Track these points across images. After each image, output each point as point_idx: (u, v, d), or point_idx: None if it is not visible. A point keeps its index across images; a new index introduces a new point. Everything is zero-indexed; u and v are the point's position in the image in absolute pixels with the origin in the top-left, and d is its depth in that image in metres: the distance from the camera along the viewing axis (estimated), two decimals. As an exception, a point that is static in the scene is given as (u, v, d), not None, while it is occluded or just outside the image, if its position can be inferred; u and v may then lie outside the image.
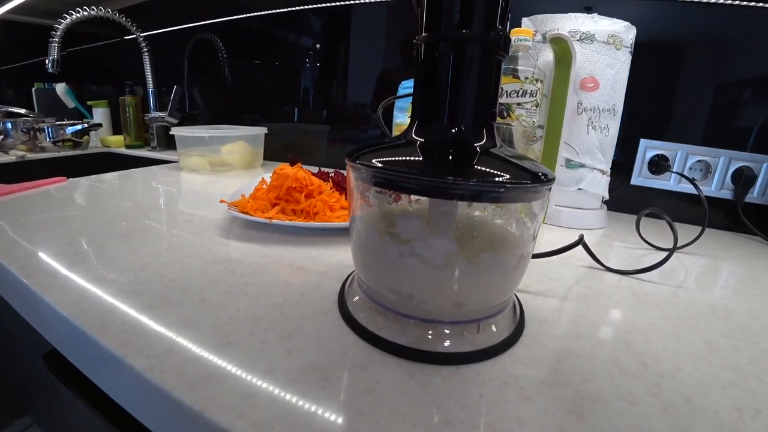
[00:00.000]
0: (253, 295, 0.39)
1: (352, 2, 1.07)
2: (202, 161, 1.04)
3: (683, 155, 0.78)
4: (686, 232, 0.64)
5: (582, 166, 0.68)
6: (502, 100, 0.62)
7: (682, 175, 0.75)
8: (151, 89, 1.43)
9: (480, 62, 0.28)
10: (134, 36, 1.37)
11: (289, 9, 1.17)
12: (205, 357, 0.29)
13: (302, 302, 0.38)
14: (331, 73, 1.17)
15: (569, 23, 0.65)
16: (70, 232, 0.53)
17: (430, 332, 0.31)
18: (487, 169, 0.26)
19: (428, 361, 0.29)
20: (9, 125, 1.33)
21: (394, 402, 0.26)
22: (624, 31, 0.65)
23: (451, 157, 0.28)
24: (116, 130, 1.68)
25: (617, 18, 0.65)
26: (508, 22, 0.30)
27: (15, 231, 0.53)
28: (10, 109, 1.45)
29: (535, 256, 0.48)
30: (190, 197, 0.77)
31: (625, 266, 0.51)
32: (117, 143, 1.56)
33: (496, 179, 0.26)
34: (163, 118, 1.40)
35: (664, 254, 0.50)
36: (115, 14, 1.29)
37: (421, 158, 0.28)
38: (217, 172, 1.04)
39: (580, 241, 0.46)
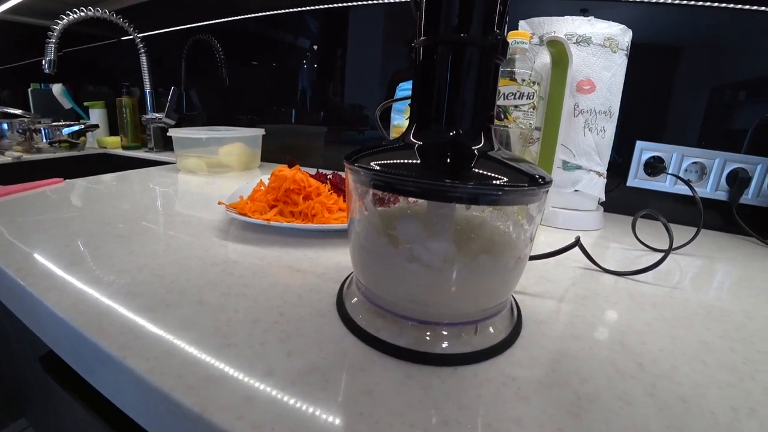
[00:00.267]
0: (252, 296, 0.39)
1: (349, 4, 1.07)
2: (200, 162, 1.04)
3: (678, 157, 0.78)
4: (682, 233, 0.65)
5: (578, 167, 0.68)
6: (500, 102, 0.62)
7: (677, 177, 0.76)
8: (148, 90, 1.43)
9: (478, 66, 0.29)
10: (131, 37, 1.36)
11: (287, 10, 1.17)
12: (204, 359, 0.29)
13: (301, 304, 0.38)
14: (329, 75, 1.17)
15: (566, 26, 0.65)
16: (67, 233, 0.53)
17: (428, 333, 0.31)
18: (485, 172, 0.27)
19: (427, 363, 0.30)
20: (5, 126, 1.33)
21: (393, 403, 0.26)
22: (620, 34, 0.65)
23: (449, 160, 0.28)
24: (113, 131, 1.67)
25: (613, 21, 0.66)
26: (506, 26, 0.30)
27: (11, 233, 0.53)
28: (6, 110, 1.45)
29: (532, 257, 0.48)
30: (188, 199, 0.77)
31: (621, 267, 0.51)
32: (114, 144, 1.56)
33: (494, 182, 0.26)
34: (160, 119, 1.40)
35: (660, 255, 0.51)
36: (112, 15, 1.28)
37: (419, 161, 0.28)
38: (214, 173, 1.04)
39: (577, 242, 0.47)
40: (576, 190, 0.69)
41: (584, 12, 0.77)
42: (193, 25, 1.40)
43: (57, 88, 1.67)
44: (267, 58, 1.28)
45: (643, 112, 0.80)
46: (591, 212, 0.72)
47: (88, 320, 0.34)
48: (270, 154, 1.23)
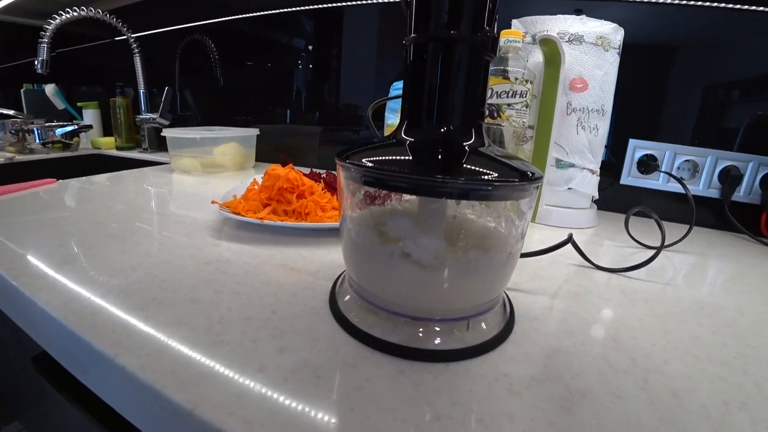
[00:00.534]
0: (245, 294, 0.39)
1: (343, 4, 1.07)
2: (194, 162, 1.04)
3: (671, 155, 0.79)
4: (674, 230, 0.65)
5: (572, 165, 0.69)
6: (493, 100, 0.63)
7: (670, 175, 0.76)
8: (142, 90, 1.43)
9: (468, 63, 0.29)
10: (125, 37, 1.36)
11: (281, 10, 1.17)
12: (196, 356, 0.29)
13: (294, 302, 0.38)
14: (324, 75, 1.17)
15: (558, 25, 0.66)
16: (60, 233, 0.53)
17: (420, 330, 0.31)
18: (476, 168, 0.27)
19: (419, 359, 0.30)
20: (-3, 126, 1.32)
21: (384, 399, 0.26)
22: (612, 32, 0.65)
23: (440, 157, 0.28)
24: (107, 131, 1.67)
25: (607, 21, 0.66)
26: (496, 23, 0.30)
27: (3, 233, 0.52)
28: (-2, 111, 1.44)
29: (525, 255, 0.48)
30: (182, 198, 0.77)
31: (614, 264, 0.51)
32: (108, 145, 1.55)
33: (485, 177, 0.26)
34: (154, 119, 1.40)
35: (652, 252, 0.51)
36: (105, 15, 1.28)
37: (410, 157, 0.28)
38: (208, 173, 1.04)
39: (570, 239, 0.47)
40: (569, 188, 0.70)
41: (578, 12, 0.77)
42: (188, 25, 1.40)
43: (50, 89, 1.66)
44: (262, 59, 1.28)
45: (636, 111, 0.80)
46: (584, 210, 0.72)
47: (81, 319, 0.33)
48: (265, 154, 1.22)
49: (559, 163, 0.69)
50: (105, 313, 0.34)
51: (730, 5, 0.70)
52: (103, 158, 1.51)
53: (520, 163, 0.30)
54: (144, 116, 1.42)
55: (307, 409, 0.25)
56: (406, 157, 0.28)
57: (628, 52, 0.69)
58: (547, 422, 0.25)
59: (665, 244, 0.53)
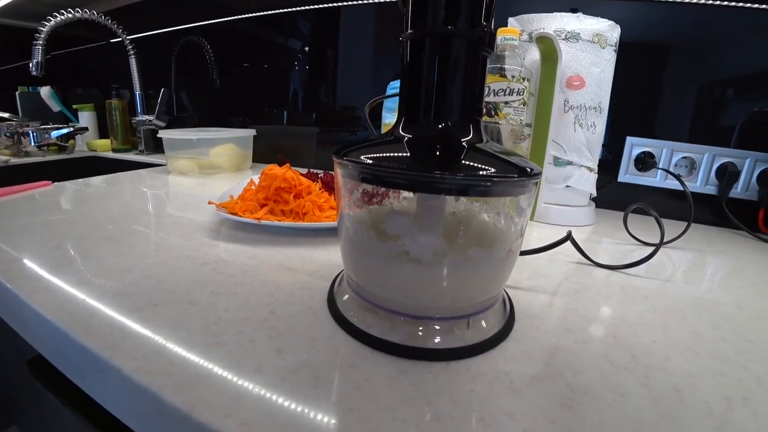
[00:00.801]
0: (243, 295, 0.39)
1: (340, 4, 1.07)
2: (191, 164, 1.03)
3: (669, 152, 0.79)
4: (672, 227, 0.65)
5: (569, 163, 0.69)
6: (490, 98, 0.62)
7: (667, 171, 0.76)
8: (138, 92, 1.42)
9: (465, 58, 0.29)
10: (120, 39, 1.35)
11: (277, 11, 1.17)
12: (193, 357, 0.29)
13: (292, 302, 0.37)
14: (320, 76, 1.17)
15: (555, 22, 0.65)
16: (56, 236, 0.52)
17: (420, 329, 0.31)
18: (474, 164, 0.26)
19: (418, 358, 0.29)
20: (-8, 130, 1.31)
21: (384, 399, 0.25)
22: (608, 29, 0.65)
23: (438, 153, 0.28)
24: (103, 133, 1.66)
25: (603, 18, 0.66)
26: (493, 19, 0.30)
27: (-2, 235, 0.52)
28: (-7, 114, 1.43)
29: (524, 252, 0.48)
30: (179, 200, 0.77)
31: (613, 261, 0.51)
32: (104, 147, 1.55)
33: (483, 173, 0.26)
34: (150, 121, 1.39)
35: (651, 249, 0.51)
36: (101, 16, 1.27)
37: (408, 154, 0.28)
38: (205, 174, 1.04)
39: (568, 237, 0.46)
40: (567, 186, 0.69)
41: (574, 10, 0.77)
42: (183, 26, 1.40)
43: (45, 91, 1.65)
44: (258, 60, 1.28)
45: (633, 109, 0.80)
46: (583, 208, 0.72)
47: (75, 321, 0.33)
48: (262, 155, 1.22)
49: (557, 161, 0.69)
50: (100, 315, 0.34)
51: (725, 2, 0.70)
52: (99, 160, 1.50)
53: (518, 159, 0.29)
54: (140, 118, 1.41)
55: (305, 410, 0.24)
56: (404, 154, 0.28)
57: (624, 50, 0.69)
58: (549, 420, 0.25)
59: (664, 240, 0.53)
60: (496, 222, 0.32)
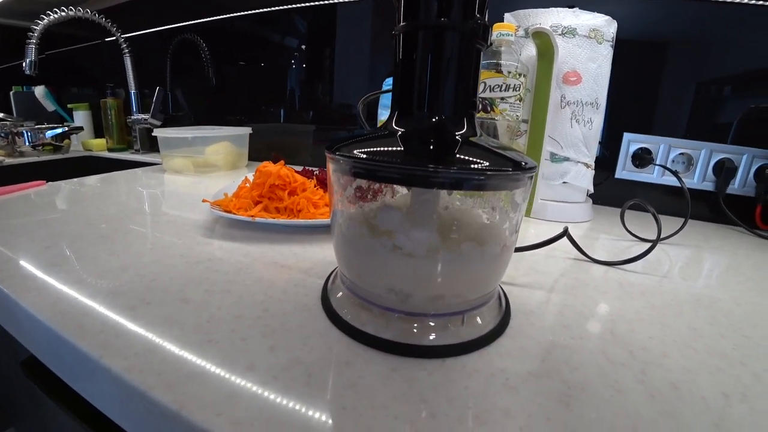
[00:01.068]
0: (236, 293, 0.38)
1: (336, 1, 1.06)
2: (186, 162, 1.03)
3: (666, 148, 0.79)
4: (670, 223, 0.65)
5: (566, 159, 0.68)
6: (486, 94, 0.62)
7: (664, 167, 0.76)
8: (133, 91, 1.41)
9: (459, 50, 0.28)
10: (115, 38, 1.34)
11: (273, 9, 1.16)
12: (184, 356, 0.28)
13: (285, 299, 0.37)
14: (317, 74, 1.17)
15: (551, 18, 0.65)
16: (49, 235, 0.52)
17: (415, 325, 0.31)
18: (469, 158, 0.26)
19: (413, 355, 0.29)
20: (-14, 130, 1.30)
21: (377, 396, 0.25)
22: (605, 25, 0.65)
23: (432, 147, 0.28)
24: (98, 133, 1.65)
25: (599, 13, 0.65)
26: (487, 11, 0.29)
27: (-9, 235, 0.51)
28: (-13, 114, 1.42)
29: (521, 249, 0.48)
30: (174, 198, 0.76)
31: (610, 258, 0.51)
32: (99, 146, 1.54)
33: (478, 167, 0.25)
34: (146, 120, 1.38)
35: (648, 245, 0.51)
36: (95, 15, 1.26)
37: (402, 148, 0.28)
38: (201, 173, 1.03)
39: (565, 233, 0.46)
40: (564, 182, 0.69)
41: (571, 5, 0.77)
42: (178, 24, 1.39)
43: (39, 91, 1.64)
44: (255, 58, 1.27)
45: (631, 105, 0.80)
46: (580, 204, 0.71)
47: (67, 320, 0.33)
48: (258, 153, 1.22)
49: (554, 157, 0.69)
50: (92, 314, 0.34)
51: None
52: (95, 160, 1.50)
53: (513, 153, 0.29)
54: (135, 117, 1.41)
55: (298, 408, 0.24)
56: (397, 148, 0.28)
57: (621, 47, 0.69)
58: (545, 417, 0.24)
59: (661, 236, 0.53)
60: (491, 217, 0.32)
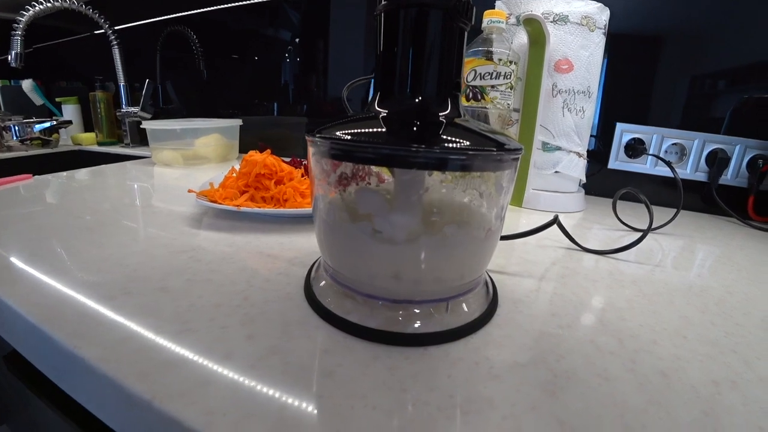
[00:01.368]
0: (218, 282, 0.37)
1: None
2: (175, 155, 1.01)
3: (659, 138, 0.78)
4: (662, 214, 0.64)
5: (558, 149, 0.67)
6: (476, 82, 0.61)
7: (657, 157, 0.75)
8: (122, 84, 1.39)
9: (442, 30, 0.27)
10: (103, 31, 1.32)
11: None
12: (160, 344, 0.28)
13: (268, 288, 0.36)
14: (311, 67, 1.15)
15: (542, 5, 0.64)
16: (32, 227, 0.51)
17: (399, 313, 0.30)
18: (453, 138, 0.25)
19: (395, 343, 0.28)
20: (-27, 124, 1.28)
21: (356, 385, 0.24)
22: (597, 12, 0.64)
23: (415, 128, 0.27)
24: (88, 127, 1.63)
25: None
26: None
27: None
28: (-26, 108, 1.40)
29: (510, 237, 0.47)
30: (161, 191, 0.75)
31: (602, 247, 0.50)
32: (88, 141, 1.52)
33: (461, 147, 0.24)
34: (135, 113, 1.37)
35: (640, 235, 0.50)
36: (82, 5, 1.24)
37: (383, 129, 0.27)
38: (190, 165, 1.02)
39: (555, 220, 0.45)
40: (556, 172, 0.68)
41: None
42: (168, 16, 1.37)
43: (27, 84, 1.62)
44: (247, 51, 1.26)
45: (624, 96, 0.79)
46: (572, 194, 0.71)
47: (43, 311, 0.31)
48: (249, 145, 1.19)
49: (546, 146, 0.68)
50: (70, 304, 0.33)
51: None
52: (84, 154, 1.48)
53: (500, 136, 0.28)
54: (125, 110, 1.39)
55: (273, 397, 0.23)
56: (380, 129, 0.27)
57: (614, 37, 0.68)
58: (530, 407, 0.23)
59: (653, 226, 0.52)
60: (475, 200, 0.31)
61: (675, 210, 0.63)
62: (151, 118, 1.35)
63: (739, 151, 0.74)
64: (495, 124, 0.61)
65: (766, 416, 0.24)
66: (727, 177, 0.76)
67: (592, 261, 0.48)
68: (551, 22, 0.63)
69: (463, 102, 0.61)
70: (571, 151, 0.67)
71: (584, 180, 0.71)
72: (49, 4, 1.16)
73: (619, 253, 0.50)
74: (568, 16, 0.63)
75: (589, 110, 0.68)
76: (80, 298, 0.34)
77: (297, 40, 1.15)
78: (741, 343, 0.32)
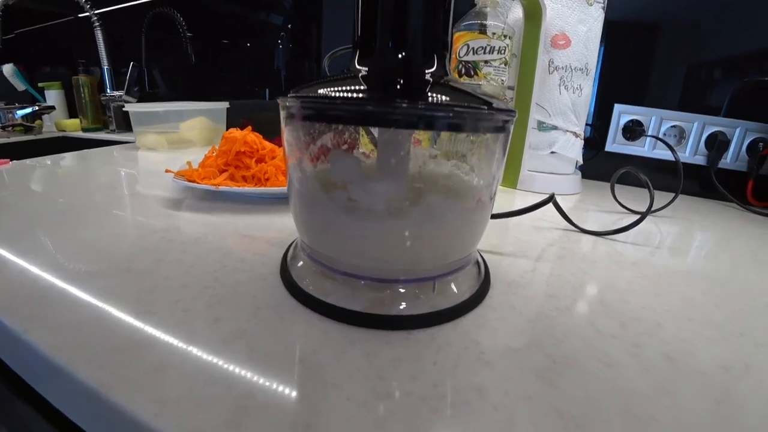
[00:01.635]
0: (188, 262, 0.34)
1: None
2: (160, 139, 0.98)
3: (657, 120, 0.75)
4: (660, 198, 0.61)
5: (554, 128, 0.65)
6: (468, 57, 0.58)
7: (658, 139, 0.72)
8: (105, 67, 1.35)
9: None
10: (88, 14, 1.27)
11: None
12: (116, 329, 0.25)
13: (241, 268, 0.33)
14: (304, 53, 1.12)
15: (539, -23, 0.61)
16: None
17: (383, 294, 0.27)
18: (439, 96, 0.22)
19: (374, 326, 0.25)
20: (-48, 110, 1.24)
21: (329, 373, 0.21)
22: (596, -15, 0.61)
23: (399, 87, 0.24)
24: (73, 113, 1.58)
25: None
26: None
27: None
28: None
29: (504, 215, 0.44)
30: (143, 174, 0.72)
31: (599, 229, 0.48)
32: (73, 127, 1.48)
33: (446, 104, 0.22)
34: (120, 97, 1.32)
35: (638, 218, 0.47)
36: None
37: (363, 87, 0.24)
38: (175, 149, 0.98)
39: (551, 198, 0.43)
40: (552, 152, 0.66)
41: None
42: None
43: (8, 69, 1.56)
44: (239, 36, 1.22)
45: (623, 76, 0.77)
46: (568, 176, 0.68)
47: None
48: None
49: (542, 126, 0.65)
50: (24, 286, 0.30)
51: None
52: (69, 141, 1.43)
53: (492, 98, 0.25)
54: (110, 94, 1.35)
55: (233, 386, 0.20)
56: (359, 87, 0.24)
57: (613, 18, 0.65)
58: (524, 395, 0.21)
59: (652, 209, 0.50)
60: (463, 167, 0.28)
61: (672, 194, 0.60)
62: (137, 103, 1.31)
63: (740, 134, 0.72)
64: (489, 102, 0.58)
65: (785, 404, 0.22)
66: (726, 161, 0.74)
67: (590, 242, 0.45)
68: (548, -6, 0.60)
69: (455, 77, 0.58)
70: (567, 131, 0.65)
71: (581, 161, 0.69)
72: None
73: (617, 235, 0.47)
74: (565, -12, 0.60)
75: (586, 88, 0.65)
76: (40, 280, 0.31)
77: (289, 26, 1.12)
78: (748, 326, 0.30)
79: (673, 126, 0.75)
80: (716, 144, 0.72)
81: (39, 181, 0.63)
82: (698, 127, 0.74)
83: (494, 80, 0.59)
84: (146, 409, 0.19)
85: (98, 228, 0.42)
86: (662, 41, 0.73)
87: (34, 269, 0.33)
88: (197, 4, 1.25)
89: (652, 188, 0.48)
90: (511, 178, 0.67)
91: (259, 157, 0.52)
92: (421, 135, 0.24)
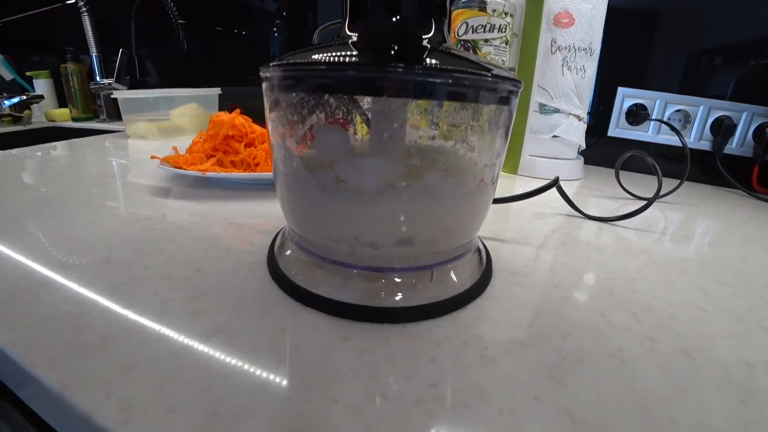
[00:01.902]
0: (170, 252, 0.32)
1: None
2: (150, 127, 0.95)
3: (662, 104, 0.73)
4: (664, 184, 0.60)
5: (557, 111, 0.62)
6: (467, 36, 0.56)
7: (662, 122, 0.70)
8: (94, 54, 1.31)
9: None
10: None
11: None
12: (86, 324, 0.23)
13: (226, 258, 0.31)
14: (300, 40, 1.09)
15: (541, -48, 0.58)
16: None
17: (377, 284, 0.25)
18: (437, 63, 0.20)
19: (368, 320, 0.23)
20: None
21: (316, 373, 0.19)
22: (601, -39, 0.58)
23: (393, 53, 0.21)
24: (62, 102, 1.55)
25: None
26: None
27: None
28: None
29: (506, 199, 0.42)
30: (131, 163, 0.69)
31: (604, 214, 0.46)
32: (63, 116, 1.44)
33: (446, 68, 0.19)
34: (110, 85, 1.29)
35: (644, 204, 0.45)
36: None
37: (354, 52, 0.21)
38: (166, 137, 0.95)
39: (555, 182, 0.41)
40: (555, 136, 0.63)
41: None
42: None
43: (-6, 59, 1.53)
44: (234, 24, 1.19)
45: (626, 61, 0.74)
46: (571, 161, 0.66)
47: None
48: (230, 117, 1.14)
49: (543, 108, 0.63)
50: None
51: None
52: (58, 131, 1.40)
53: (495, 67, 0.23)
54: (99, 82, 1.31)
55: (209, 388, 0.18)
56: (350, 53, 0.21)
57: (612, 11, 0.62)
58: (532, 396, 0.19)
59: (660, 192, 0.48)
60: (463, 143, 0.25)
61: (676, 180, 0.59)
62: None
63: (746, 119, 0.70)
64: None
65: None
66: (732, 146, 0.72)
67: (595, 228, 0.43)
68: (551, -30, 0.57)
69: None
70: (570, 114, 0.62)
71: (584, 145, 0.66)
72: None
73: (623, 221, 0.45)
74: (569, -36, 0.57)
75: (590, 70, 0.62)
76: (12, 272, 0.29)
77: (284, 13, 1.09)
78: (768, 317, 0.28)
79: (678, 110, 0.73)
80: (722, 129, 0.71)
81: (23, 170, 0.61)
82: (704, 111, 0.72)
83: (494, 60, 0.56)
84: (112, 416, 0.17)
85: (79, 217, 0.40)
86: (664, 26, 0.71)
87: (9, 261, 0.30)
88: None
89: (659, 173, 0.46)
90: (512, 163, 0.65)
91: (248, 142, 0.50)
92: (419, 106, 0.22)
